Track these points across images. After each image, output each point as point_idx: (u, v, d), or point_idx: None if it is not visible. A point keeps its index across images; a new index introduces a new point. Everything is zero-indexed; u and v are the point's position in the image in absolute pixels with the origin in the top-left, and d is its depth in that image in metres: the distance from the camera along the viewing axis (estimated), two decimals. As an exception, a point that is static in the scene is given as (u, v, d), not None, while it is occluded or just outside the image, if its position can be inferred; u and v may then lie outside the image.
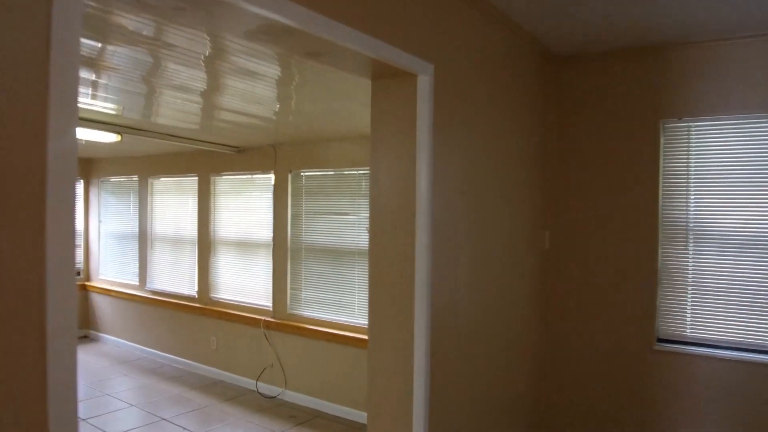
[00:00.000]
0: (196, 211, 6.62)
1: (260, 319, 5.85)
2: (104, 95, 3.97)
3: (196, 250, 6.61)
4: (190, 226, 6.73)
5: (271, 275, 5.88)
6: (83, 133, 4.74)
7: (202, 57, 2.92)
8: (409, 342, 2.68)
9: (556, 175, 4.11)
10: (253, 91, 3.65)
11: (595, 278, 3.97)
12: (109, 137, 4.89)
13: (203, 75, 3.32)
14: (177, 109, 4.38)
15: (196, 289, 6.64)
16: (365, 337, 5.07)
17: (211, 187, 6.46)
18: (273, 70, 3.18)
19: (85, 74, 3.41)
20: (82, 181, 8.16)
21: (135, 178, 7.45)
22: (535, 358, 4.08)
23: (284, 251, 5.74)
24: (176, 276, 6.91)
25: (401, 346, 2.72)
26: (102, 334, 7.91)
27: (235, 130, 5.14)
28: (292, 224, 5.70)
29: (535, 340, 4.05)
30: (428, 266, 2.67)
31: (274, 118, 4.59)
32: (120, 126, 4.99)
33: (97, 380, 6.18)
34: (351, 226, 5.26)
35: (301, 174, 5.63)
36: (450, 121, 2.83)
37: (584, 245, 4.02)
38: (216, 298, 6.44)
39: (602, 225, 3.94)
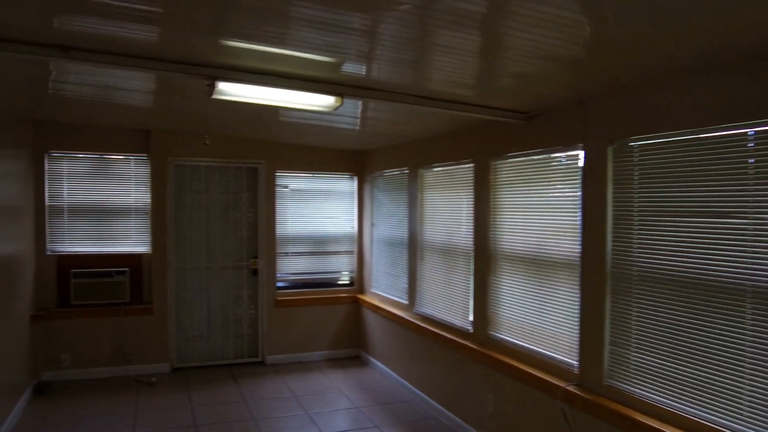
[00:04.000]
0: (472, 211, 4.71)
1: (558, 386, 3.60)
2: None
3: (472, 266, 4.70)
4: (464, 232, 4.85)
5: (577, 316, 3.59)
6: (287, 96, 3.24)
7: None
8: None
9: None
10: None
11: None
12: (326, 100, 3.29)
13: None
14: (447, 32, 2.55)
15: (471, 320, 4.72)
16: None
17: (491, 176, 4.46)
18: None
19: None
20: (356, 177, 7.04)
21: (405, 170, 5.93)
22: None
23: (600, 277, 3.40)
24: (449, 299, 5.11)
25: None
26: (372, 359, 6.61)
27: (524, 69, 3.03)
28: (613, 232, 3.33)
29: None
30: None
31: (587, 28, 2.34)
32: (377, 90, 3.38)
33: (354, 429, 4.74)
34: (738, 238, 2.66)
35: (631, 144, 3.21)
36: None
37: None
38: (496, 337, 4.41)
39: None
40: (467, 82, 3.34)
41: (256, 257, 6.48)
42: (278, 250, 6.61)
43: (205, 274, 6.31)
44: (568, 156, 3.70)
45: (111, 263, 5.85)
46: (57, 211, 5.74)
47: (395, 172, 6.20)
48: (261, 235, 6.48)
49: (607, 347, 3.37)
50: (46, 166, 5.67)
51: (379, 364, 6.42)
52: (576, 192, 3.59)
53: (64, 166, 5.74)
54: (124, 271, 5.86)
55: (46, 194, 5.68)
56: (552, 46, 2.55)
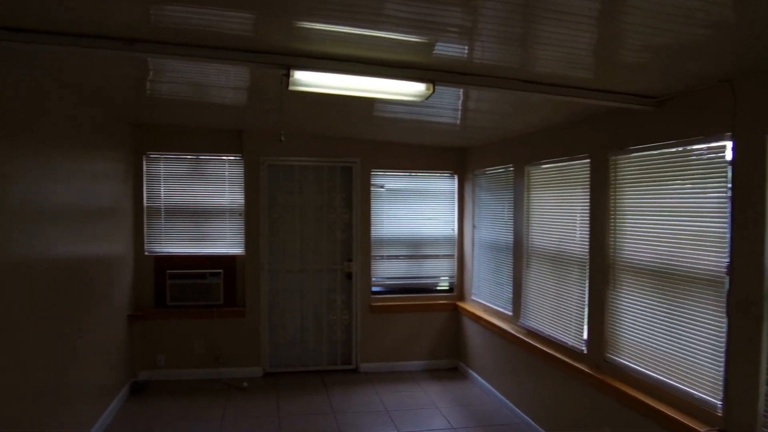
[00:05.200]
0: (587, 214, 4.10)
1: (696, 430, 2.95)
2: None
3: (587, 278, 4.09)
4: (577, 238, 4.25)
5: (722, 345, 2.92)
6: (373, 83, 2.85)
7: None
8: None
9: None
10: None
11: None
12: (415, 87, 2.87)
13: None
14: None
15: (585, 340, 4.11)
16: None
17: (611, 173, 3.83)
18: None
19: None
20: (456, 176, 6.56)
21: (510, 168, 5.38)
22: None
23: (755, 298, 2.71)
24: (559, 314, 4.51)
25: None
26: (471, 371, 6.12)
27: (657, 39, 2.44)
28: (774, 244, 2.64)
29: None
30: None
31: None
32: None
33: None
34: None
35: (803, 133, 2.52)
36: None
37: None
38: (615, 361, 3.78)
39: None
40: (585, 61, 2.80)
41: (350, 260, 6.20)
42: (373, 253, 6.29)
43: (299, 276, 6.11)
44: (710, 148, 3.02)
45: (205, 265, 5.80)
46: (154, 212, 5.76)
47: (499, 169, 5.66)
48: (356, 237, 6.19)
49: (763, 387, 2.69)
50: (144, 167, 5.71)
51: (479, 378, 5.91)
52: (722, 192, 2.92)
53: (161, 167, 5.76)
54: (218, 273, 5.79)
55: (144, 195, 5.71)
56: (699, 3, 1.96)
